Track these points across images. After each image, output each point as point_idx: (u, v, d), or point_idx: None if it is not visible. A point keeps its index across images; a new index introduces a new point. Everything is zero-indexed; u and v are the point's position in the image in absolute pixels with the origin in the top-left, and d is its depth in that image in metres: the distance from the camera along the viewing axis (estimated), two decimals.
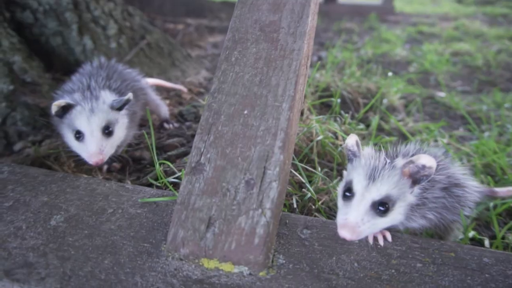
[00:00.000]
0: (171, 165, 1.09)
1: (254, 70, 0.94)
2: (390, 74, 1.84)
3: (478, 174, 1.31)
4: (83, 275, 0.72)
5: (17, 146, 1.41)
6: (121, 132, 1.12)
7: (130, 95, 1.08)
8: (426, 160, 0.71)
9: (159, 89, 1.68)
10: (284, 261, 0.76)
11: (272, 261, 0.75)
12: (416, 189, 0.77)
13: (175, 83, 1.92)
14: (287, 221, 0.86)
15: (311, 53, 1.11)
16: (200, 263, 0.74)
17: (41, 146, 1.34)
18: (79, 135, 1.04)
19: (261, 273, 0.72)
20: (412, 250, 0.80)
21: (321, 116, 1.37)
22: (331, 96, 1.68)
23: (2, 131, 1.42)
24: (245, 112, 0.88)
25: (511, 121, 1.82)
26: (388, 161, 0.76)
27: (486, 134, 1.70)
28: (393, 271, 0.75)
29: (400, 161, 0.76)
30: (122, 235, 0.82)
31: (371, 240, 0.81)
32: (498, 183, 1.31)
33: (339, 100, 1.63)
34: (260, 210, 0.75)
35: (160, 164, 1.11)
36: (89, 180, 1.01)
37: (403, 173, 0.74)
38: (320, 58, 2.62)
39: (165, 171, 1.19)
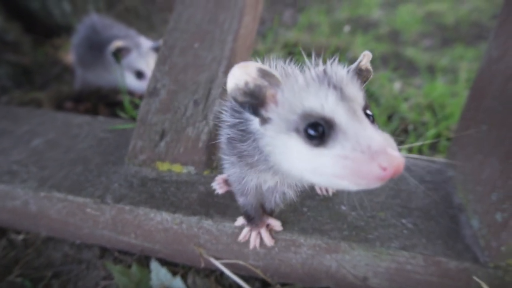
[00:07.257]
0: (138, 102, 1.23)
1: (205, 10, 1.06)
2: (347, 28, 1.95)
3: (421, 111, 1.46)
4: (59, 178, 0.87)
5: (3, 100, 1.53)
6: None
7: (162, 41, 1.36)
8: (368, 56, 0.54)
9: None
10: None
11: (216, 165, 0.90)
12: None
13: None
14: None
15: None
16: (155, 167, 0.89)
17: (26, 95, 1.47)
18: (140, 75, 1.33)
19: (205, 172, 0.87)
20: None
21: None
22: (299, 52, 1.80)
23: None
24: (196, 45, 1.00)
25: (465, 70, 1.95)
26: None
27: (439, 80, 1.83)
28: None
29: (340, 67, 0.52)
30: (92, 151, 0.97)
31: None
32: (438, 117, 1.46)
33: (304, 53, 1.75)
34: (204, 122, 0.89)
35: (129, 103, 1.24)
36: (67, 115, 1.14)
37: (361, 70, 0.54)
38: (296, 21, 2.71)
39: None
